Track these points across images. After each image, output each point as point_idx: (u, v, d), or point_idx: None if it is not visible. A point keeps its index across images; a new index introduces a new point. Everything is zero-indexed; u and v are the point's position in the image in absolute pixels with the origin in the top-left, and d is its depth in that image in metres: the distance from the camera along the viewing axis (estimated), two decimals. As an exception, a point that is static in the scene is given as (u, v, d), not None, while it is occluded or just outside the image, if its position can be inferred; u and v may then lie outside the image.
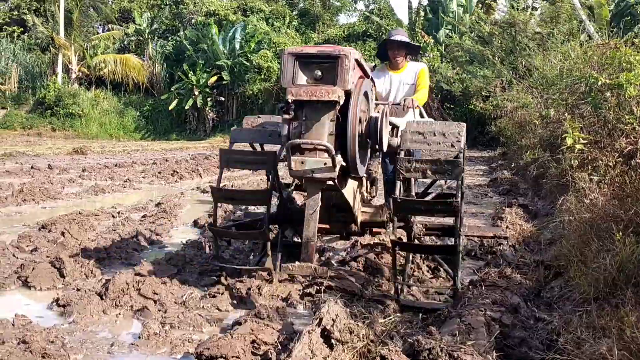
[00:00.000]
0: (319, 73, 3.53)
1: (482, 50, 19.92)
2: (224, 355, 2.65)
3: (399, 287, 3.84)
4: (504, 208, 6.82)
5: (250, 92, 29.53)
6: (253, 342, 2.83)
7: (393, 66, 5.76)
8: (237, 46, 30.63)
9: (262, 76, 29.16)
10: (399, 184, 3.79)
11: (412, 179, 4.35)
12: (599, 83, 5.89)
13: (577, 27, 16.03)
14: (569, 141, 5.76)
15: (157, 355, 2.98)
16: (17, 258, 4.73)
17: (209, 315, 3.55)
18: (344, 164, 3.67)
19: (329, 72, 3.51)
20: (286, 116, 3.57)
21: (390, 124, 4.39)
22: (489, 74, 19.70)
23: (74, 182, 10.23)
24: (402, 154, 3.91)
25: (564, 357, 2.51)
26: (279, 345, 2.82)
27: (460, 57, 23.02)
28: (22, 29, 37.00)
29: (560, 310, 3.27)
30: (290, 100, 3.49)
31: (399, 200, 3.70)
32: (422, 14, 28.94)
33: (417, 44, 6.91)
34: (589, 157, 5.65)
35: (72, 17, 32.36)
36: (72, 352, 2.93)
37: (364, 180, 4.72)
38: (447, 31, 27.01)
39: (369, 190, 4.99)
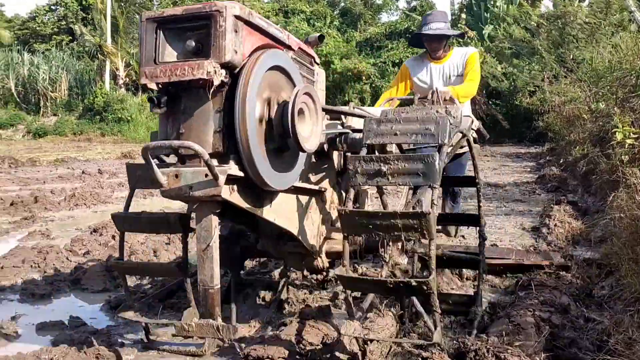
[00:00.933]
0: (193, 44, 2.41)
1: (531, 40, 19.43)
2: (270, 356, 2.68)
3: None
4: (552, 205, 6.67)
5: (291, 92, 29.68)
6: (299, 342, 2.86)
7: (434, 56, 4.99)
8: (279, 47, 30.74)
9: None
10: (352, 192, 2.70)
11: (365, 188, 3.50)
12: (650, 75, 5.73)
13: (628, 17, 15.55)
14: (619, 136, 5.60)
15: (205, 355, 3.04)
16: (71, 261, 4.90)
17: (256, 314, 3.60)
18: (240, 173, 2.48)
19: (207, 42, 2.40)
20: (157, 110, 2.58)
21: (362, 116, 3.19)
22: (536, 67, 19.29)
23: (123, 186, 10.45)
24: (363, 151, 2.72)
25: (614, 358, 2.46)
26: (323, 346, 2.84)
27: (507, 49, 22.57)
28: (71, 38, 38.09)
29: (611, 310, 3.19)
30: (148, 86, 2.49)
31: (345, 213, 2.55)
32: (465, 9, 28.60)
33: (458, 31, 5.73)
34: (641, 152, 5.49)
35: (118, 25, 33.15)
36: (124, 353, 3.02)
37: (330, 193, 3.42)
38: (493, 25, 26.58)
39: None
